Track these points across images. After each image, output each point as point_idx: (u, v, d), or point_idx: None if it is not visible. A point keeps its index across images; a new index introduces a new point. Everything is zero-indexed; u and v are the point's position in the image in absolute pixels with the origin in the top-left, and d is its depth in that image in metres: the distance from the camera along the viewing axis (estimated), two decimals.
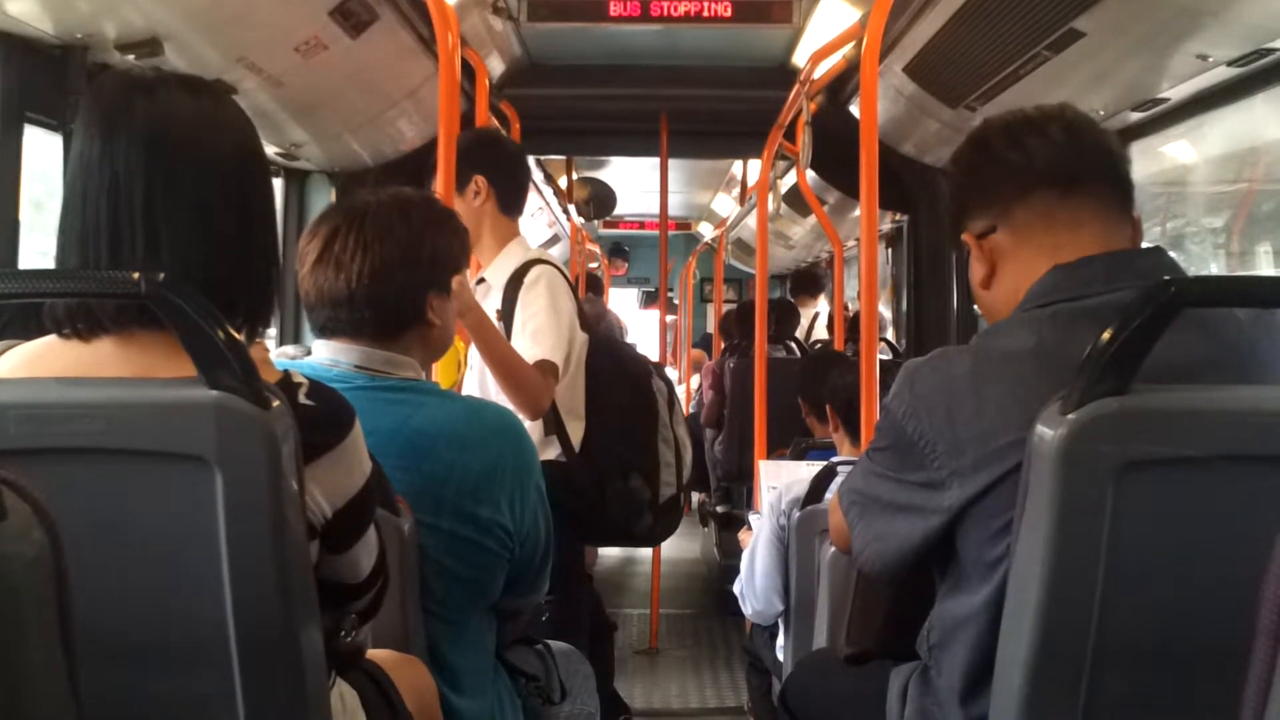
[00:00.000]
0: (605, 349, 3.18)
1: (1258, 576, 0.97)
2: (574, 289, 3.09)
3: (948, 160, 1.80)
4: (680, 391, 7.26)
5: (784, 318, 6.63)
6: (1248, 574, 1.00)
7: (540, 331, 2.86)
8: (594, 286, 9.40)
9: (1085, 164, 1.62)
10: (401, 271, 1.94)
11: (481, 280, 3.10)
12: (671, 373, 8.70)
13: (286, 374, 1.43)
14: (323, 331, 1.96)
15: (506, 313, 2.95)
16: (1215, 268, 3.97)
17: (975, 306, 5.06)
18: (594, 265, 11.40)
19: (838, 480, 2.90)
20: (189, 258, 1.33)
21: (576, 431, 3.04)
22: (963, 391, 1.51)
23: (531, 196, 7.86)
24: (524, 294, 2.93)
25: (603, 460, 3.06)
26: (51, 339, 1.36)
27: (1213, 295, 1.41)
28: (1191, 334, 1.44)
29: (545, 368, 2.84)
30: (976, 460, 1.47)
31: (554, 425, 2.99)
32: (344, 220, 1.94)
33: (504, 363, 2.73)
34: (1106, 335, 1.32)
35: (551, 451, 2.99)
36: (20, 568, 0.88)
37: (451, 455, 1.89)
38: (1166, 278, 1.33)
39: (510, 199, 3.14)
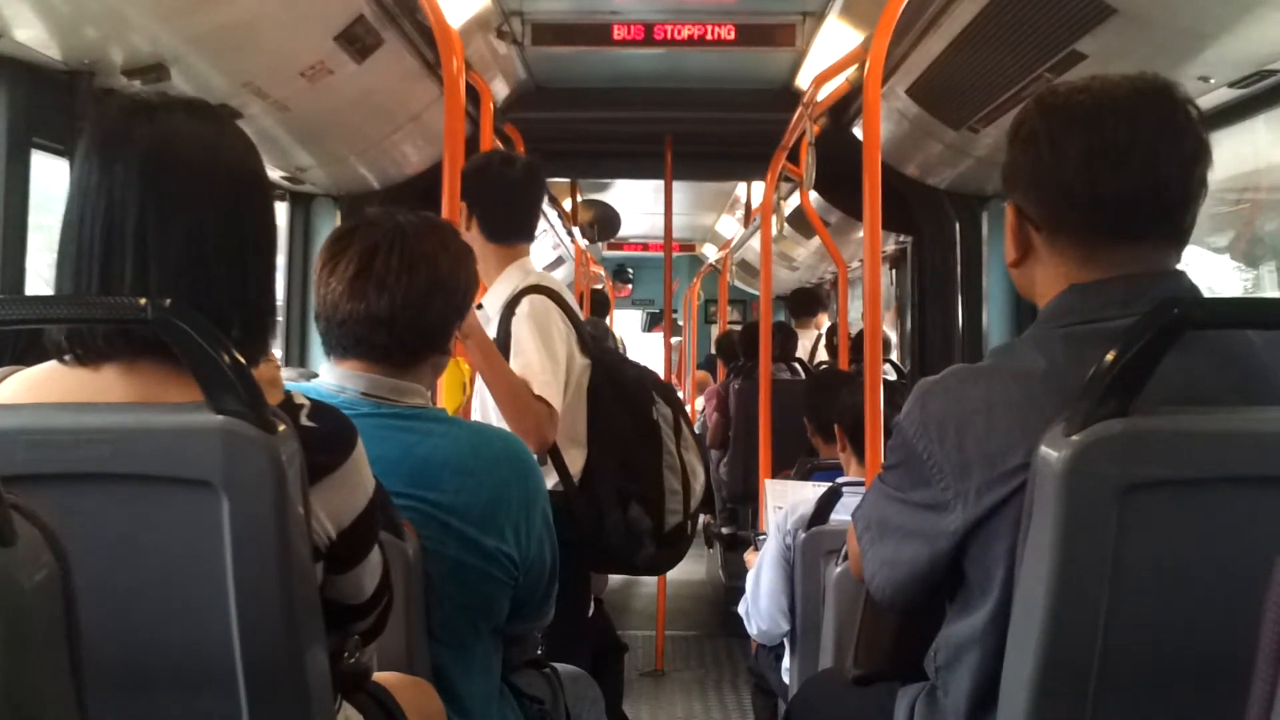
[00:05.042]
0: (608, 374, 3.07)
1: (1260, 597, 0.97)
2: (574, 312, 3.01)
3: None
4: None
5: (784, 339, 6.63)
6: (1250, 595, 1.01)
7: (529, 369, 2.79)
8: (598, 309, 9.36)
9: (1143, 217, 1.51)
10: (440, 297, 1.92)
11: (480, 306, 3.07)
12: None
13: (288, 395, 1.42)
14: (345, 350, 1.91)
15: (502, 342, 2.90)
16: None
17: (981, 325, 5.07)
18: (598, 286, 11.39)
19: (843, 501, 2.91)
20: (177, 284, 1.32)
21: (577, 459, 2.95)
22: (973, 413, 1.50)
23: None
24: (515, 328, 2.87)
25: (602, 489, 2.97)
26: (52, 365, 1.35)
27: (1216, 317, 1.41)
28: (1208, 359, 1.44)
29: None
30: (982, 483, 1.46)
31: (550, 454, 2.92)
32: (384, 238, 1.89)
33: (507, 390, 2.71)
34: (1110, 357, 1.32)
35: (549, 481, 2.94)
36: (31, 591, 0.88)
37: (457, 484, 1.87)
38: (1169, 299, 1.33)
39: (496, 226, 3.04)
